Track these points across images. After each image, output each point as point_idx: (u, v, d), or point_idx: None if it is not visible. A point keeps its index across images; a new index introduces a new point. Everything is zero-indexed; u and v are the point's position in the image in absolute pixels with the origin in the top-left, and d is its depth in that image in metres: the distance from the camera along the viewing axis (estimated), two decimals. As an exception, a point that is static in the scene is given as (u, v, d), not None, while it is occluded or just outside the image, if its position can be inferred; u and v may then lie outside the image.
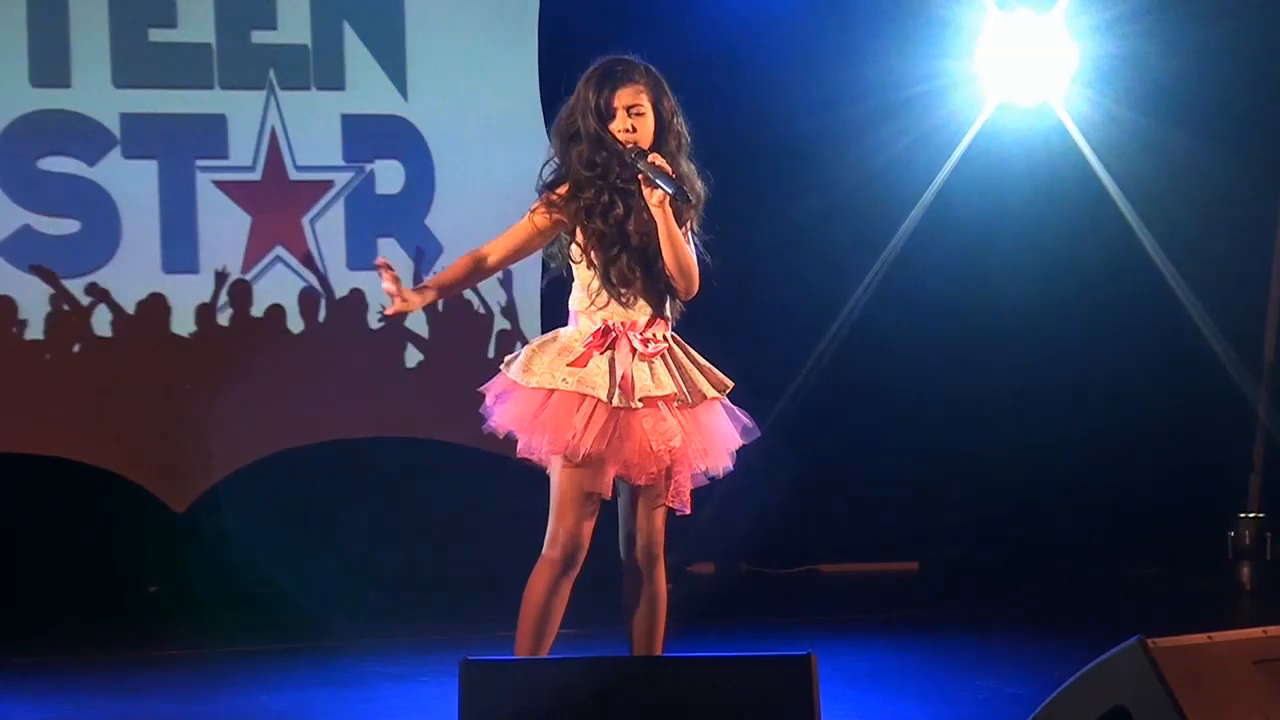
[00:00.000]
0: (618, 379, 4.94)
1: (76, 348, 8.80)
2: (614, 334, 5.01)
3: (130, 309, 8.84)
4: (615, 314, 5.01)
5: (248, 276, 8.96)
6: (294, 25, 9.10)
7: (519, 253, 5.19)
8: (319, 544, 8.43)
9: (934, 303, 9.45)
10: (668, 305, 5.11)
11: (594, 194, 5.02)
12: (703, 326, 9.26)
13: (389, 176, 9.15)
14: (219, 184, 8.93)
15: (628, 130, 5.02)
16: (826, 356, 9.35)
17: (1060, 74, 9.30)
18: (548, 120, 9.23)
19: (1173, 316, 9.32)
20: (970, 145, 9.32)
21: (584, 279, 5.06)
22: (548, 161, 5.19)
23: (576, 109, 5.09)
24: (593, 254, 5.03)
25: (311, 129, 9.07)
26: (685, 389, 5.02)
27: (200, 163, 8.93)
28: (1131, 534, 9.51)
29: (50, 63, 8.72)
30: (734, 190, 9.32)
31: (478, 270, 5.17)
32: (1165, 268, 9.32)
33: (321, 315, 9.08)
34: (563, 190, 5.07)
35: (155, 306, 8.88)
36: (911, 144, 9.26)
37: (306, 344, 9.08)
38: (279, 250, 9.05)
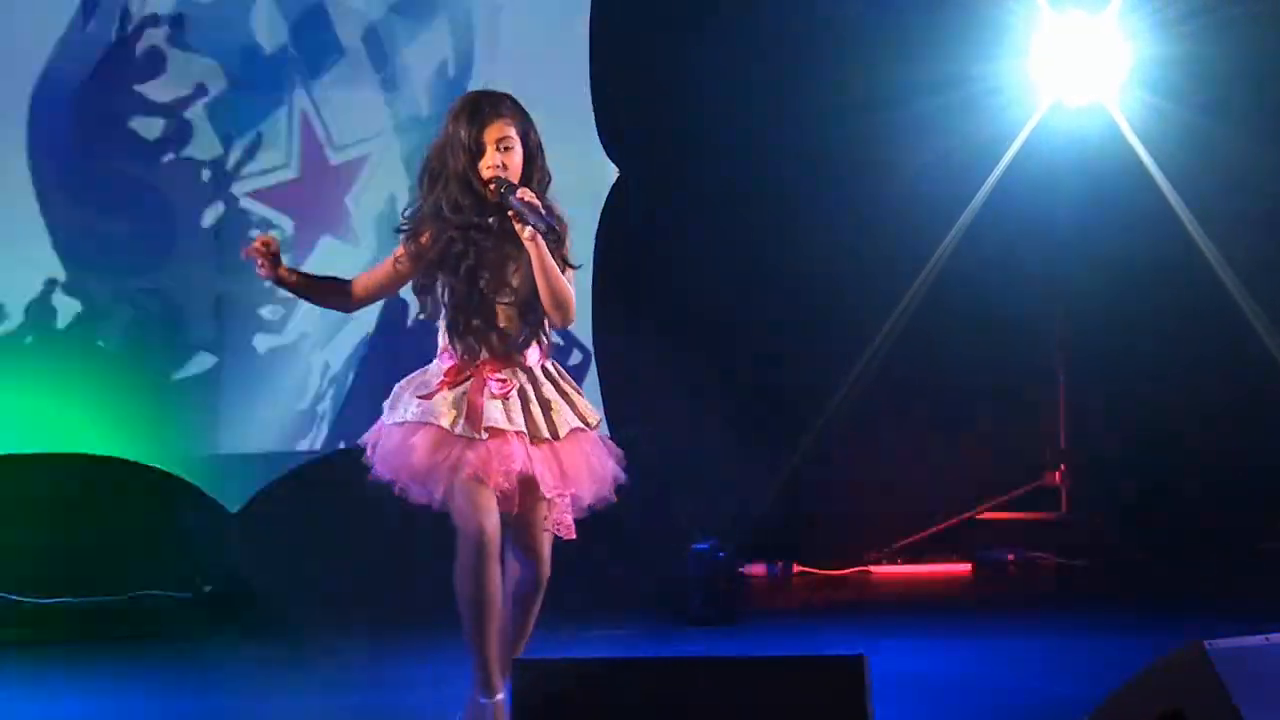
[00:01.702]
0: (463, 410, 4.97)
1: (134, 348, 8.84)
2: (467, 372, 5.03)
3: (182, 308, 8.88)
4: (471, 354, 5.05)
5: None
6: (348, 27, 9.12)
7: (381, 291, 5.26)
8: (375, 541, 8.44)
9: (987, 302, 9.42)
10: (532, 342, 5.11)
11: (447, 243, 5.02)
12: (756, 327, 9.34)
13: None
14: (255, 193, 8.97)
15: (497, 166, 5.00)
16: (879, 356, 9.33)
17: (1113, 74, 9.26)
18: (598, 120, 9.32)
19: (1229, 318, 9.26)
20: (1023, 145, 9.29)
21: (441, 320, 5.11)
22: (410, 204, 5.17)
23: (446, 147, 5.06)
24: (444, 305, 5.06)
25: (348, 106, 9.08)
26: (540, 423, 5.03)
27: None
28: (1192, 535, 9.44)
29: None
30: (785, 191, 9.41)
31: (339, 295, 5.22)
32: (1221, 268, 9.27)
33: (377, 308, 9.07)
34: (424, 238, 5.06)
35: (209, 308, 8.91)
36: (964, 144, 9.25)
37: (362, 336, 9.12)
38: (326, 239, 9.07)
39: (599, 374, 9.30)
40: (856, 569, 9.69)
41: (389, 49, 9.13)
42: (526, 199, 4.93)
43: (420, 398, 5.02)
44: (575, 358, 9.31)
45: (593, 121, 9.32)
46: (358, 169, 9.11)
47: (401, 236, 5.11)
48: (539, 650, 7.23)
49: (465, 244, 5.01)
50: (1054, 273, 9.51)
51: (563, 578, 8.67)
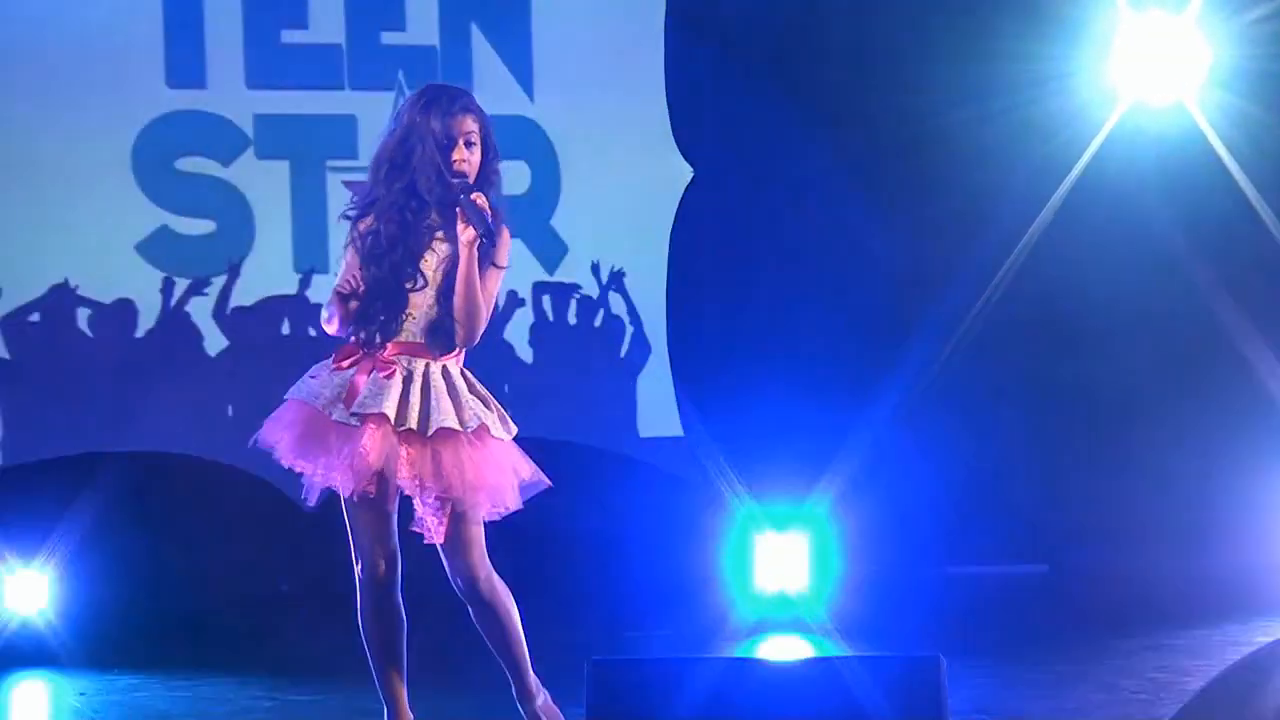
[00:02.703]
0: (342, 393, 4.97)
1: (207, 346, 8.90)
2: (358, 354, 5.02)
3: (261, 308, 8.94)
4: (369, 345, 5.02)
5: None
6: (422, 26, 9.16)
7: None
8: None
9: (1065, 302, 9.37)
10: (437, 340, 5.06)
11: (375, 235, 4.99)
12: (830, 328, 9.32)
13: (514, 177, 9.17)
14: (349, 184, 9.00)
15: (463, 160, 4.99)
16: (956, 356, 9.29)
17: (1194, 74, 9.21)
18: (674, 121, 9.33)
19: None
20: (1103, 145, 9.24)
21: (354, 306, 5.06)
22: (356, 194, 5.15)
23: (412, 136, 5.02)
24: (360, 293, 5.01)
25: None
26: (414, 414, 4.96)
27: (331, 163, 9.01)
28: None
29: (186, 64, 8.82)
30: (860, 191, 9.39)
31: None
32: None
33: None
34: (367, 222, 5.04)
35: (286, 306, 8.97)
36: (1043, 143, 9.20)
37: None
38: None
39: (672, 373, 9.30)
40: (933, 569, 9.65)
41: (461, 51, 9.17)
42: (479, 203, 4.92)
43: (310, 378, 5.06)
44: (638, 352, 9.32)
45: (668, 122, 9.32)
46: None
47: (350, 223, 5.08)
48: (611, 649, 7.27)
49: (395, 236, 4.99)
50: (1134, 270, 9.43)
51: (632, 577, 8.76)
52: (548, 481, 5.18)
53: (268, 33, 8.93)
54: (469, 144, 5.02)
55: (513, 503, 5.10)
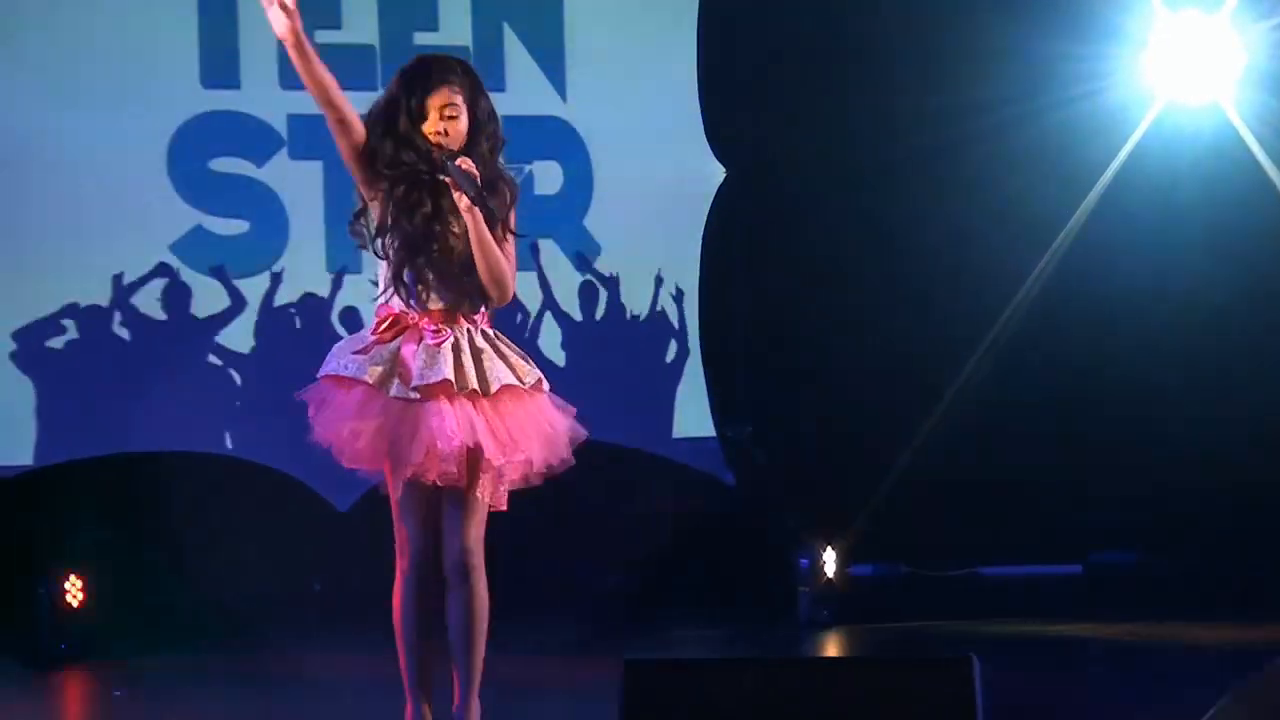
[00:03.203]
0: (395, 367, 4.91)
1: (242, 347, 8.92)
2: (401, 325, 4.97)
3: (296, 308, 8.96)
4: (414, 298, 4.97)
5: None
6: (455, 26, 9.17)
7: (336, 106, 5.10)
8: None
9: (1101, 300, 9.33)
10: (470, 304, 5.03)
11: (405, 190, 4.96)
12: (864, 326, 9.31)
13: (547, 177, 9.19)
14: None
15: (439, 133, 4.96)
16: (991, 355, 9.27)
17: (1229, 74, 9.18)
18: (707, 121, 9.33)
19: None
20: (1138, 145, 9.21)
21: (384, 271, 5.03)
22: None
23: (390, 106, 5.01)
24: (391, 251, 4.98)
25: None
26: (470, 375, 4.92)
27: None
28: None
29: (220, 65, 8.85)
30: (893, 191, 9.37)
31: (319, 68, 5.12)
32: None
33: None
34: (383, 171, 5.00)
35: (320, 306, 8.99)
36: (1079, 143, 9.17)
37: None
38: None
39: (705, 372, 9.30)
40: (966, 570, 9.63)
41: (494, 51, 9.18)
42: (465, 167, 4.89)
43: (354, 352, 4.98)
44: (671, 352, 9.32)
45: (700, 122, 9.32)
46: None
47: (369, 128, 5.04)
48: (648, 649, 7.27)
49: (421, 194, 4.97)
50: (1170, 267, 9.39)
51: (669, 576, 8.76)
52: (585, 433, 5.13)
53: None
54: (449, 116, 4.99)
55: (565, 455, 5.06)
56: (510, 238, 5.06)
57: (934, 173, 9.29)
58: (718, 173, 9.34)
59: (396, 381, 4.91)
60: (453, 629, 5.09)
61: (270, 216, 8.88)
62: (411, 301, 4.98)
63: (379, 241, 5.01)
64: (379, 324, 5.01)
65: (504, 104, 9.14)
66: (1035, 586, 9.33)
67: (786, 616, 8.18)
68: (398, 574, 5.11)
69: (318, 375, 5.05)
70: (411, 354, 4.93)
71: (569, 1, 9.27)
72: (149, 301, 8.77)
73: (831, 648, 7.75)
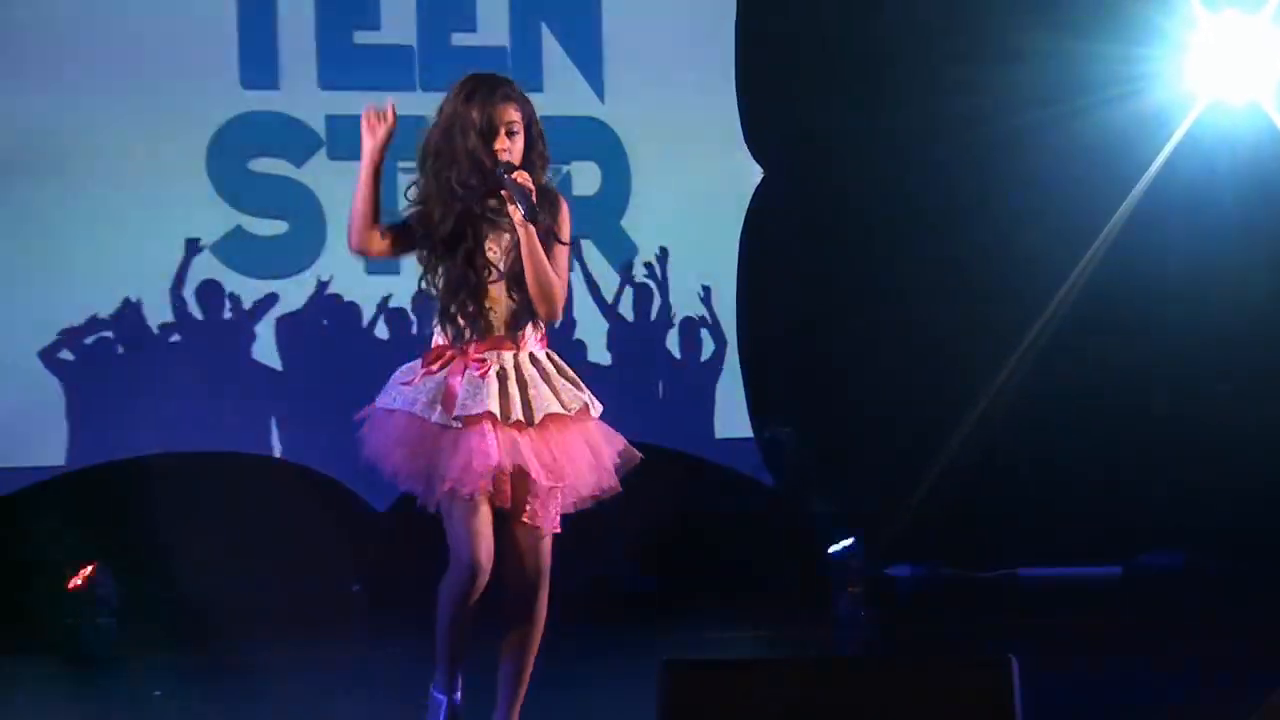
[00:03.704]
0: (439, 396, 4.96)
1: (281, 347, 8.95)
2: (449, 354, 5.02)
3: (333, 309, 8.98)
4: (459, 338, 5.02)
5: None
6: (493, 27, 9.19)
7: (391, 246, 5.16)
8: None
9: (1142, 299, 9.31)
10: (519, 324, 5.05)
11: (450, 225, 4.99)
12: (903, 326, 9.29)
13: (585, 178, 9.19)
14: (405, 171, 9.02)
15: (505, 149, 4.98)
16: (1031, 355, 9.24)
17: (1270, 74, 9.15)
18: (745, 121, 9.33)
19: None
20: (1179, 145, 9.18)
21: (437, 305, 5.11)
22: (413, 184, 5.13)
23: (455, 126, 5.02)
24: (435, 289, 5.05)
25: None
26: (516, 405, 4.97)
27: (402, 164, 8.99)
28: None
29: (260, 66, 8.89)
30: (932, 190, 9.35)
31: (374, 220, 5.12)
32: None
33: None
34: (433, 217, 5.03)
35: (357, 307, 9.01)
36: (1119, 143, 9.14)
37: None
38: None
39: (744, 373, 9.30)
40: (1005, 571, 9.61)
41: (532, 51, 9.19)
42: (520, 181, 4.92)
43: (403, 384, 5.04)
44: (709, 353, 9.32)
45: (738, 122, 9.31)
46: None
47: (411, 216, 5.09)
48: (685, 649, 7.26)
49: (464, 226, 5.00)
50: (1210, 267, 9.36)
51: (708, 577, 8.75)
52: (638, 456, 5.17)
53: (340, 34, 8.99)
54: (511, 132, 5.02)
55: (612, 481, 5.11)
56: (562, 249, 5.08)
57: (973, 173, 9.28)
58: (755, 173, 9.34)
59: (439, 409, 4.96)
60: (507, 654, 5.18)
61: (309, 217, 8.91)
62: (456, 339, 5.03)
63: (425, 279, 5.08)
64: (428, 357, 5.07)
65: (542, 104, 9.06)
66: (1075, 588, 9.30)
67: (825, 617, 8.17)
68: (451, 573, 5.09)
69: (375, 405, 5.14)
70: (457, 384, 4.98)
71: (607, 2, 9.28)
72: (189, 302, 8.80)
73: (869, 648, 7.73)
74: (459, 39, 9.13)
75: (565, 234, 5.09)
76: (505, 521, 5.05)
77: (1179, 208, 9.26)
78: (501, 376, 5.00)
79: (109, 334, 8.72)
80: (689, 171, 9.19)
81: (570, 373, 5.15)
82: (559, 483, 5.01)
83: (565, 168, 9.14)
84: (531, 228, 4.92)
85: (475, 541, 5.01)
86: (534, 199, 4.91)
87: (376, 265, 8.92)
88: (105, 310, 8.73)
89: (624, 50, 9.23)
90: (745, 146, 9.34)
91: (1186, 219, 9.28)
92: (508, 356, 5.03)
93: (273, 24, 8.90)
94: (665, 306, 9.22)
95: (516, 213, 4.92)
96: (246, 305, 8.87)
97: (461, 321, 5.02)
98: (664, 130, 9.25)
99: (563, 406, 5.03)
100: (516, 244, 4.99)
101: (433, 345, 5.09)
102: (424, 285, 5.10)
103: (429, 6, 9.08)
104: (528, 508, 5.02)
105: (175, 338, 8.80)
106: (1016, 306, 9.31)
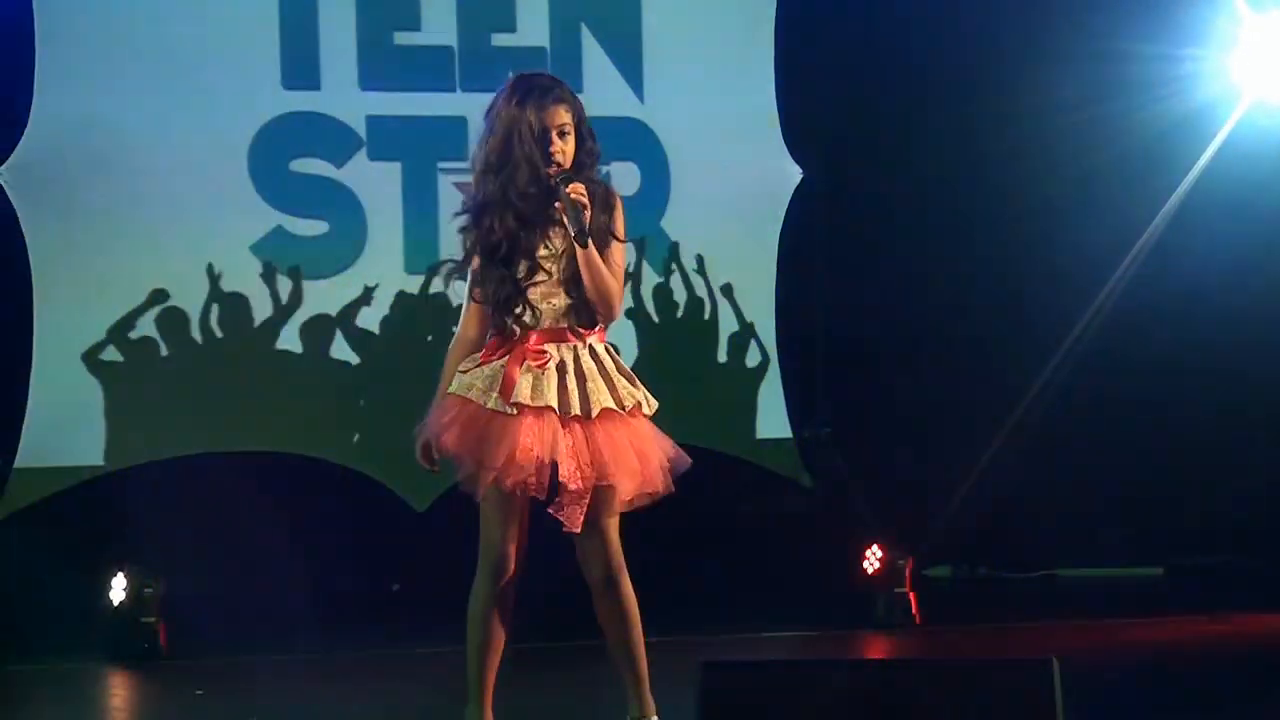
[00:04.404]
0: (496, 383, 4.98)
1: (322, 347, 8.96)
2: (507, 345, 5.05)
3: (373, 309, 8.99)
4: (510, 334, 5.07)
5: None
6: (533, 28, 9.19)
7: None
8: (558, 541, 8.49)
9: (1185, 300, 9.26)
10: (577, 319, 5.08)
11: (503, 232, 5.01)
12: (940, 327, 9.26)
13: (624, 178, 9.16)
14: (459, 186, 9.05)
15: (559, 151, 5.02)
16: (1072, 356, 9.21)
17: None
18: (784, 121, 9.31)
19: None
20: (1224, 143, 9.14)
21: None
22: (467, 201, 5.16)
23: (513, 132, 5.04)
24: (488, 297, 5.08)
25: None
26: (574, 400, 4.99)
27: (442, 164, 9.05)
28: None
29: (301, 66, 8.90)
30: (972, 191, 9.33)
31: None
32: None
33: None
34: (486, 225, 5.05)
35: (398, 307, 9.02)
36: (1163, 142, 9.10)
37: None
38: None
39: (781, 375, 9.28)
40: (1044, 572, 9.58)
41: (571, 52, 9.19)
42: (575, 196, 4.94)
43: (462, 371, 5.10)
44: (749, 353, 9.30)
45: (777, 123, 9.30)
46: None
47: (461, 225, 5.12)
48: (724, 652, 7.26)
49: (512, 233, 5.02)
50: (1258, 266, 9.32)
51: (747, 578, 8.74)
52: (689, 460, 5.20)
53: (380, 34, 9.00)
54: (563, 134, 5.05)
55: (661, 485, 5.13)
56: (618, 246, 5.11)
57: (1014, 174, 9.24)
58: (795, 174, 9.32)
59: (496, 395, 4.99)
60: (610, 638, 5.23)
61: (349, 217, 8.92)
62: (509, 329, 5.08)
63: (478, 290, 5.11)
64: (488, 348, 5.10)
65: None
66: (1115, 588, 9.27)
67: (864, 618, 8.15)
68: (478, 575, 5.17)
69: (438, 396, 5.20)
70: (515, 372, 5.01)
71: (646, 2, 9.27)
72: (229, 302, 8.82)
73: (909, 650, 7.72)
74: (499, 39, 9.13)
75: (620, 231, 5.13)
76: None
77: (1222, 209, 9.21)
78: (560, 368, 5.02)
79: (150, 334, 8.74)
80: (728, 172, 9.18)
81: (626, 368, 5.18)
82: (601, 482, 5.02)
83: (605, 168, 9.07)
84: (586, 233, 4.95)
85: (504, 534, 5.05)
86: (587, 215, 4.92)
87: (415, 264, 8.97)
88: (146, 310, 8.75)
89: (664, 51, 9.21)
90: (784, 147, 9.32)
91: (1229, 220, 9.23)
92: (567, 349, 5.06)
93: (314, 25, 8.91)
94: (704, 306, 9.21)
95: (569, 223, 4.94)
96: (286, 305, 8.88)
97: (511, 322, 5.06)
98: (703, 131, 9.23)
99: (617, 404, 5.05)
100: (569, 246, 5.02)
101: (491, 339, 5.12)
102: (475, 294, 5.12)
103: (469, 7, 9.09)
104: (559, 502, 5.05)
105: (215, 337, 8.81)
106: (1058, 307, 9.28)
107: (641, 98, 9.21)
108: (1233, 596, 8.79)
